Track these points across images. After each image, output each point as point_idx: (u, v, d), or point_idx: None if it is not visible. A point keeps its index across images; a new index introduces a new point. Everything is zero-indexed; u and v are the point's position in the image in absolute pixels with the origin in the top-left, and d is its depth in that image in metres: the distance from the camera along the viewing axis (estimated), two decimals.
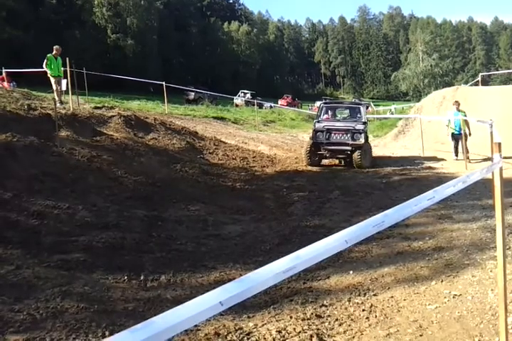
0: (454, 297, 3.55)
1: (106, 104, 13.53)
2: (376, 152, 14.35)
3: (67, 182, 6.72)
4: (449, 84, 43.71)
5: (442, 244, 5.00)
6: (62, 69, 11.73)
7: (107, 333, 3.10)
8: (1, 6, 45.11)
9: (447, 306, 3.42)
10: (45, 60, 11.43)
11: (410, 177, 9.83)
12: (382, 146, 16.64)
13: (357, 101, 52.89)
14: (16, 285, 3.62)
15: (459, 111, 12.02)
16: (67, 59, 11.00)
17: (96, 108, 11.51)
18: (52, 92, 11.69)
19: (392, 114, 32.39)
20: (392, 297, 3.70)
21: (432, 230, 5.65)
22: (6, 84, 17.28)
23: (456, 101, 12.42)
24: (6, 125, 7.53)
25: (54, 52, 11.50)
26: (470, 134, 11.63)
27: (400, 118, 20.59)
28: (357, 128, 11.48)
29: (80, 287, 3.77)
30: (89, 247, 4.76)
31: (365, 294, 3.84)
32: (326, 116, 12.77)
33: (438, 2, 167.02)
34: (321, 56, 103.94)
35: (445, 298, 3.56)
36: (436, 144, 14.03)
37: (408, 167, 11.30)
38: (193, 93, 33.40)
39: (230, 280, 4.06)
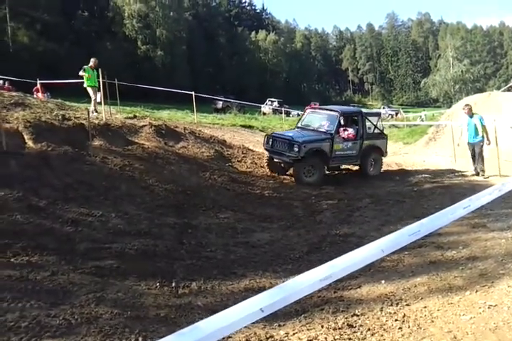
0: (489, 307, 3.46)
1: (137, 114, 13.81)
2: (407, 159, 14.15)
3: (100, 190, 6.88)
4: (481, 90, 42.78)
5: (476, 253, 4.88)
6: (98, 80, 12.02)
7: (140, 339, 3.14)
8: (36, 19, 46.90)
9: (482, 317, 3.33)
10: (82, 70, 11.74)
11: (442, 185, 9.64)
12: (413, 153, 16.38)
13: (386, 107, 52.55)
14: (51, 291, 3.68)
15: (471, 116, 10.40)
16: (100, 70, 11.29)
17: (127, 118, 11.75)
18: (89, 102, 12.00)
19: (422, 120, 31.85)
20: (425, 307, 3.63)
21: (466, 239, 5.53)
22: (40, 95, 17.81)
23: (467, 105, 10.89)
24: (41, 135, 7.75)
25: (91, 64, 11.80)
26: (489, 142, 10.28)
27: (431, 125, 20.25)
28: (296, 139, 10.20)
29: (113, 293, 3.84)
30: (122, 254, 4.85)
31: (397, 304, 3.78)
32: (305, 121, 11.78)
33: (468, 7, 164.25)
34: (349, 63, 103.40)
35: (480, 308, 3.47)
36: (468, 151, 13.72)
37: (440, 174, 11.09)
38: (221, 102, 33.75)
39: (259, 288, 4.09)
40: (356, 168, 11.53)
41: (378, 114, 12.73)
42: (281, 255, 5.68)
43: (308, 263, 5.33)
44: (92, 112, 11.63)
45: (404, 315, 3.53)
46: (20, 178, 6.15)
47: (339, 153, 10.68)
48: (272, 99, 42.46)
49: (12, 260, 4.11)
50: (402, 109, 57.12)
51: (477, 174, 10.52)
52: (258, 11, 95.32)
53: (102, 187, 7.03)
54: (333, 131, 10.57)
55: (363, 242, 5.87)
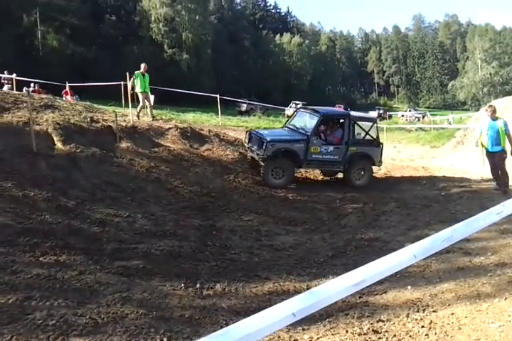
0: None
1: (163, 117, 13.96)
2: (434, 163, 13.92)
3: (127, 191, 6.98)
4: (510, 93, 41.73)
5: (505, 259, 4.77)
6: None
7: (165, 339, 3.17)
8: (65, 23, 48.13)
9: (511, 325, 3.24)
10: (133, 77, 11.93)
11: (470, 189, 9.42)
12: (440, 157, 16.10)
13: (412, 110, 51.80)
14: (78, 290, 3.75)
15: (494, 119, 8.74)
16: (127, 74, 11.48)
17: (154, 120, 11.89)
18: (139, 107, 12.15)
19: (449, 123, 31.30)
20: (452, 314, 3.56)
21: (495, 245, 5.40)
22: (69, 97, 18.24)
23: (490, 106, 9.28)
24: (70, 136, 7.92)
25: (141, 69, 11.95)
26: (505, 154, 8.63)
27: (459, 129, 19.87)
28: (265, 137, 9.78)
29: (139, 293, 3.88)
30: (148, 254, 4.91)
31: (424, 310, 3.72)
32: (292, 121, 11.30)
33: (497, 9, 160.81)
34: (375, 65, 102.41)
35: (509, 316, 3.39)
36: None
37: (468, 179, 10.86)
38: (245, 104, 33.88)
39: (283, 291, 4.07)
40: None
41: (373, 120, 11.42)
42: (305, 258, 5.66)
43: (333, 267, 5.29)
44: (138, 116, 11.89)
45: (431, 322, 3.47)
46: (49, 179, 6.30)
47: (316, 157, 10.03)
48: (297, 102, 42.29)
49: (41, 259, 4.20)
50: (429, 111, 56.20)
51: (504, 192, 8.68)
52: (283, 13, 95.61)
53: (129, 188, 7.15)
54: (309, 133, 9.99)
55: (389, 247, 5.81)
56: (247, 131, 11.24)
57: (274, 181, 9.58)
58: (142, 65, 12.05)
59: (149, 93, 12.26)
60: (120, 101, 12.65)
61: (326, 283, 1.30)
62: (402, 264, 1.41)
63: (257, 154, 9.84)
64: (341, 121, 10.66)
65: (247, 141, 10.68)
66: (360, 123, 10.61)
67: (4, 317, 3.09)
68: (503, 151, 8.62)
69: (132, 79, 11.92)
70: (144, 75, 11.96)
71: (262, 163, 9.73)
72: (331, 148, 10.12)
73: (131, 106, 11.63)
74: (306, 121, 10.76)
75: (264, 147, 9.58)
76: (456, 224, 1.67)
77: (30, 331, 2.99)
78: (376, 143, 10.66)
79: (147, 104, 12.15)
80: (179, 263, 4.92)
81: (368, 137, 10.55)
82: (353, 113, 11.31)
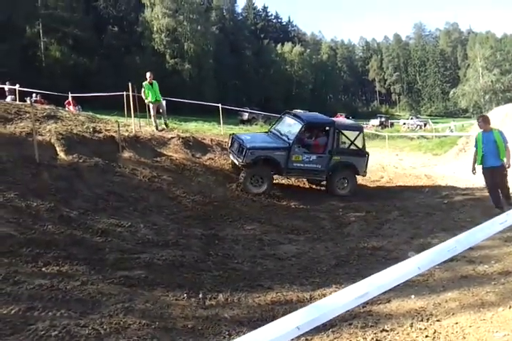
0: None
1: (164, 127, 13.98)
2: (436, 171, 13.91)
3: (129, 201, 7.00)
4: None
5: (509, 268, 4.73)
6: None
7: None
8: (68, 34, 48.58)
9: None
10: (142, 89, 12.02)
11: (473, 197, 9.38)
12: (442, 165, 16.08)
13: (414, 118, 51.86)
14: (81, 301, 3.72)
15: (488, 131, 7.67)
16: (130, 84, 11.55)
17: (157, 130, 11.95)
18: (153, 118, 12.30)
19: (451, 131, 31.31)
20: (456, 323, 3.52)
21: (498, 253, 5.36)
22: (72, 108, 18.32)
23: (482, 117, 8.12)
24: (72, 147, 7.97)
25: (148, 79, 11.99)
26: (509, 165, 7.51)
27: (461, 136, 19.87)
28: (245, 144, 9.51)
29: (141, 303, 3.86)
30: (150, 264, 4.89)
31: (428, 319, 3.69)
32: (277, 126, 11.05)
33: (497, 17, 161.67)
34: (376, 74, 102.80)
35: None
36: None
37: (471, 186, 10.83)
38: (247, 114, 34.02)
39: (286, 301, 4.05)
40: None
41: (359, 129, 10.97)
42: (308, 268, 5.62)
43: (336, 276, 5.26)
44: (157, 127, 12.05)
45: (435, 331, 3.43)
46: (52, 189, 6.32)
47: (298, 165, 9.79)
48: (298, 111, 42.47)
49: (43, 269, 4.19)
50: (431, 119, 56.28)
51: (509, 205, 7.43)
52: (284, 23, 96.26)
53: (131, 198, 7.16)
54: (291, 141, 9.72)
55: (392, 255, 5.79)
56: (230, 135, 11.06)
57: (252, 188, 9.34)
58: (147, 75, 12.10)
59: (161, 101, 12.28)
60: (122, 112, 12.69)
61: (330, 296, 1.30)
62: (406, 276, 1.40)
63: (237, 160, 9.64)
64: (325, 129, 10.40)
65: (229, 145, 10.52)
66: (346, 132, 10.40)
67: (7, 327, 3.07)
68: (503, 166, 7.52)
69: (142, 91, 12.01)
70: (151, 84, 12.01)
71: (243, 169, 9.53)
72: (314, 156, 9.89)
73: (134, 116, 11.68)
74: (290, 127, 10.39)
75: (243, 154, 9.36)
76: (460, 235, 1.66)
77: None
78: (362, 153, 10.40)
79: (158, 112, 12.25)
80: (181, 273, 4.90)
81: (353, 146, 10.32)
82: (339, 121, 11.23)
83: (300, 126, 9.90)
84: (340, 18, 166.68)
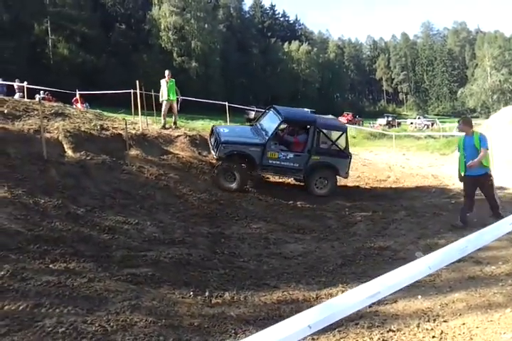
0: None
1: (172, 125, 14.02)
2: (444, 171, 13.82)
3: (136, 198, 7.01)
4: None
5: None
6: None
7: None
8: (76, 32, 48.84)
9: None
10: (161, 87, 12.11)
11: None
12: (450, 165, 15.93)
13: (421, 117, 51.63)
14: (88, 298, 3.73)
15: (470, 135, 6.84)
16: (137, 82, 11.57)
17: (163, 128, 11.96)
18: (162, 116, 12.36)
19: (459, 131, 31.07)
20: (463, 324, 3.50)
21: (506, 254, 5.32)
22: (79, 105, 18.40)
23: (463, 119, 7.25)
24: (80, 144, 7.99)
25: (166, 77, 12.04)
26: (491, 178, 6.87)
27: None
28: (221, 137, 9.28)
29: (148, 301, 3.86)
30: (157, 262, 4.90)
31: (434, 320, 3.67)
32: (261, 120, 10.67)
33: (506, 16, 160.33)
34: (383, 73, 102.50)
35: None
36: (508, 163, 13.25)
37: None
38: (253, 112, 33.99)
39: (292, 300, 4.04)
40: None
41: (342, 129, 10.41)
42: (314, 267, 5.62)
43: (343, 275, 5.25)
44: (171, 127, 12.02)
45: (442, 332, 3.41)
46: (59, 186, 6.34)
47: (274, 163, 9.45)
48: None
49: (50, 266, 4.20)
50: (438, 119, 56.02)
51: (497, 215, 6.75)
52: (291, 21, 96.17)
53: (138, 195, 7.18)
54: (267, 137, 9.42)
55: (399, 256, 5.77)
56: (212, 126, 10.87)
57: (224, 184, 9.05)
58: (166, 72, 12.18)
59: (174, 100, 12.28)
60: (130, 109, 12.73)
61: (342, 295, 1.29)
62: (417, 276, 1.40)
63: (213, 153, 9.50)
64: (306, 127, 10.10)
65: (209, 136, 10.34)
66: (330, 132, 10.12)
67: (15, 324, 3.08)
68: (487, 174, 6.84)
69: (161, 89, 12.11)
70: (167, 83, 12.05)
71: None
72: (291, 154, 9.55)
73: (141, 114, 11.71)
74: (270, 122, 9.99)
75: (218, 147, 9.17)
76: (470, 235, 1.65)
77: (40, 338, 2.98)
78: (344, 154, 9.96)
79: (171, 110, 12.28)
80: (188, 270, 4.90)
81: (336, 147, 9.93)
82: (321, 119, 10.67)
83: (278, 121, 9.63)
84: (348, 17, 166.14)
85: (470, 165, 6.62)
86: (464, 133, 7.08)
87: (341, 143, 10.08)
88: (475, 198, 7.14)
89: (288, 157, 9.51)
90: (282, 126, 10.18)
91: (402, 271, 1.38)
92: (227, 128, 10.42)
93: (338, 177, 10.05)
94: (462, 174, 7.01)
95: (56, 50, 48.33)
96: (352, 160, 10.39)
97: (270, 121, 10.05)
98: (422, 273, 1.43)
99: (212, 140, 9.83)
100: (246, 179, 9.37)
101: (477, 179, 6.80)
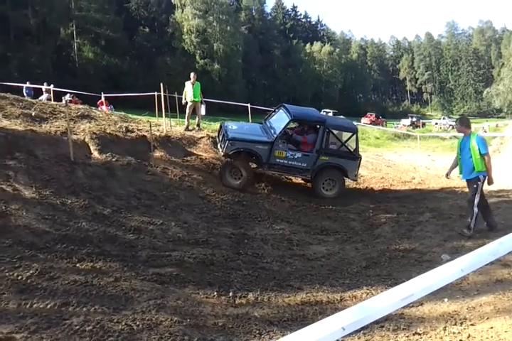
0: None
1: (195, 126, 14.13)
2: None
3: (160, 199, 7.08)
4: None
5: None
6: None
7: None
8: (100, 36, 49.72)
9: None
10: (185, 88, 12.26)
11: (508, 199, 9.09)
12: None
13: (446, 118, 50.79)
14: (114, 297, 3.78)
15: (466, 136, 6.48)
16: (161, 84, 11.69)
17: (186, 130, 12.07)
18: (186, 118, 12.47)
19: (485, 132, 30.50)
20: (491, 328, 3.43)
21: None
22: (104, 108, 18.72)
23: (460, 119, 7.06)
24: (106, 146, 8.11)
25: (191, 79, 12.18)
26: (491, 180, 6.39)
27: (494, 137, 19.33)
28: (228, 133, 9.21)
29: (173, 300, 3.90)
30: (181, 262, 4.94)
31: (461, 323, 3.60)
32: (270, 118, 10.56)
33: None
34: (407, 73, 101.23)
35: None
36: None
37: (505, 188, 10.50)
38: None
39: (316, 302, 4.01)
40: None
41: (353, 130, 10.19)
42: (338, 269, 5.58)
43: (367, 278, 5.20)
44: (194, 129, 12.18)
45: (469, 336, 3.35)
46: (86, 187, 6.44)
47: (281, 161, 9.31)
48: (327, 110, 42.32)
49: (77, 265, 4.27)
50: None
51: (468, 228, 6.42)
52: (313, 22, 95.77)
53: (163, 196, 7.24)
54: (275, 135, 9.30)
55: (425, 258, 5.69)
56: (221, 122, 10.83)
57: (230, 181, 8.97)
58: (191, 74, 12.29)
59: (199, 102, 12.36)
60: (154, 111, 12.88)
61: (375, 297, 1.28)
62: (450, 278, 1.37)
63: (220, 149, 9.45)
64: (316, 127, 9.92)
65: (217, 133, 10.31)
66: (340, 132, 10.00)
67: (43, 321, 3.14)
68: (477, 178, 6.30)
69: (184, 90, 12.27)
70: (193, 85, 12.16)
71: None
72: (299, 154, 9.41)
73: (165, 116, 11.83)
74: (280, 121, 9.81)
75: (225, 144, 9.09)
76: (503, 237, 1.62)
77: (68, 336, 3.03)
78: (353, 156, 9.78)
79: (196, 112, 12.38)
80: (212, 271, 4.93)
81: (344, 149, 9.76)
82: (331, 120, 10.51)
83: (287, 120, 9.49)
84: (371, 17, 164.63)
85: (490, 183, 6.38)
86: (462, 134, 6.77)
87: (352, 144, 9.97)
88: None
89: (296, 156, 9.39)
90: (291, 125, 10.11)
91: (435, 273, 1.36)
92: (235, 125, 10.37)
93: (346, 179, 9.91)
94: (460, 176, 6.82)
95: (81, 54, 49.29)
96: (376, 161, 10.28)
97: (279, 120, 9.92)
98: (454, 275, 1.40)
99: (220, 136, 9.80)
100: (251, 177, 9.23)
101: (468, 182, 6.56)
